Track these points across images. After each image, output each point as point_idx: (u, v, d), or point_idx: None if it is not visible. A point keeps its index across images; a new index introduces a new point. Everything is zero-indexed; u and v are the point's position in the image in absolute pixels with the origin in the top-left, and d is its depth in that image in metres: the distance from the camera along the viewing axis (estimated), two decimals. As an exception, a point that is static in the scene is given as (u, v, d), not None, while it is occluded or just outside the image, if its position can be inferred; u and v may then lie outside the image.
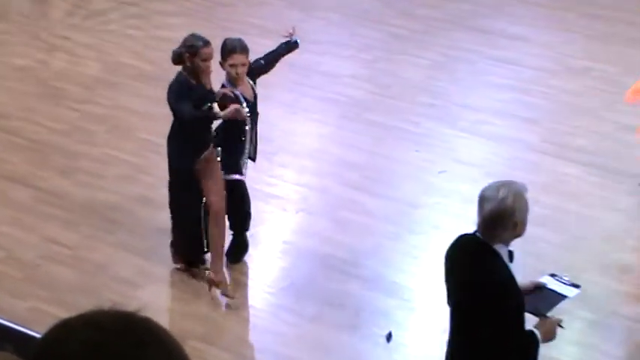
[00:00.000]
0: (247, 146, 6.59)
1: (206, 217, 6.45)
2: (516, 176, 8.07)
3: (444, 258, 4.52)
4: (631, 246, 7.12)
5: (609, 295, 6.66)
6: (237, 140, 6.52)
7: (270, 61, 6.87)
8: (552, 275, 4.96)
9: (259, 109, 6.71)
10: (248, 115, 6.36)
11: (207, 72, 6.19)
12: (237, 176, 6.58)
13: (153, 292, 6.48)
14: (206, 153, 6.32)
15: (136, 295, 6.30)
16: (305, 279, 6.31)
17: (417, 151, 8.38)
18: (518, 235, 4.39)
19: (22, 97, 9.21)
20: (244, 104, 6.42)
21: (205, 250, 6.64)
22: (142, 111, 8.99)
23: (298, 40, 7.00)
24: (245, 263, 6.94)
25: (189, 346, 5.62)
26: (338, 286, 6.62)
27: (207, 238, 6.50)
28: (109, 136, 8.56)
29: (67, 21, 11.06)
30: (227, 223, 6.66)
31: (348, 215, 7.41)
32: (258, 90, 6.71)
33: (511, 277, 4.28)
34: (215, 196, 6.34)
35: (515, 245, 7.08)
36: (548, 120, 9.06)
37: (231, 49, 6.39)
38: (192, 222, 6.49)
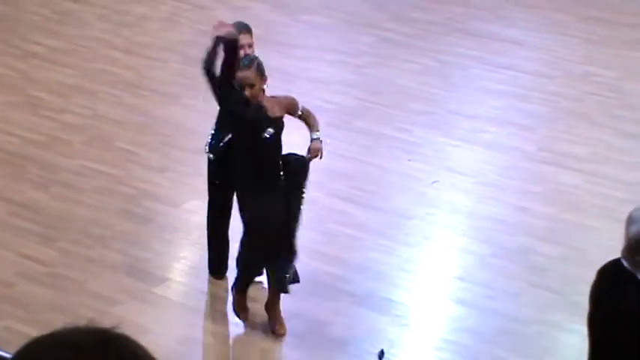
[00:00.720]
0: None
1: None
2: (512, 186, 8.16)
3: (590, 292, 4.31)
4: (632, 258, 7.15)
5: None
6: None
7: None
8: None
9: None
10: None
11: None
12: None
13: (133, 310, 6.48)
14: None
15: (114, 313, 6.31)
16: (292, 294, 6.32)
17: (409, 160, 8.41)
18: None
19: (-4, 106, 9.21)
20: None
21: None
22: (121, 120, 9.00)
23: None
24: (227, 278, 6.95)
25: (172, 367, 5.63)
26: (327, 302, 6.63)
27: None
28: (87, 146, 8.57)
29: (42, 26, 11.06)
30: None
31: (336, 228, 7.43)
32: None
33: None
34: None
35: (513, 258, 7.14)
36: (546, 127, 9.11)
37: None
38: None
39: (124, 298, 6.61)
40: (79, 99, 9.41)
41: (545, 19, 11.67)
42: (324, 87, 9.74)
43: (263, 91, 5.96)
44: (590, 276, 6.94)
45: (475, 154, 8.62)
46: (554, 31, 11.29)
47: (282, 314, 6.31)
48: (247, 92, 5.85)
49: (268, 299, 6.31)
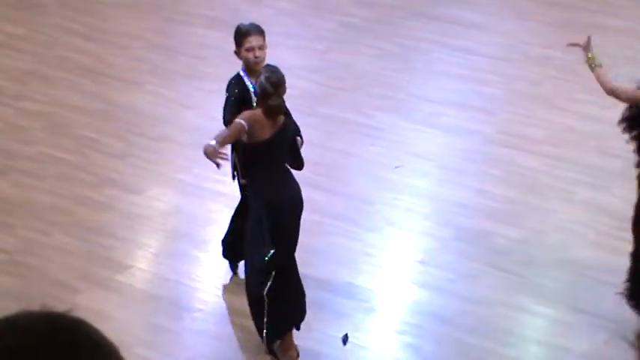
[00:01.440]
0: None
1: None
2: (472, 169, 8.20)
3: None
4: (591, 240, 7.22)
5: (571, 291, 6.76)
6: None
7: None
8: None
9: None
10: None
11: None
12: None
13: (96, 297, 6.44)
14: None
15: (76, 301, 6.26)
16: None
17: (396, 167, 8.42)
18: None
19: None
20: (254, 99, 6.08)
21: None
22: (81, 106, 8.93)
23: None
24: (193, 264, 6.94)
25: (134, 354, 5.62)
26: (290, 287, 6.62)
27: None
28: (46, 133, 8.49)
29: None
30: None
31: (299, 213, 7.43)
32: None
33: None
34: None
35: (474, 241, 7.18)
36: (505, 110, 9.15)
37: (246, 32, 6.14)
38: None
39: (85, 286, 6.57)
40: (37, 85, 9.32)
41: (506, 2, 11.72)
42: (287, 73, 9.51)
43: None
44: (549, 259, 7.04)
45: (436, 138, 8.65)
46: (515, 15, 11.34)
47: (242, 297, 6.26)
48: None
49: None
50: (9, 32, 10.41)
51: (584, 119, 8.86)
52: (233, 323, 6.35)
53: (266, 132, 5.66)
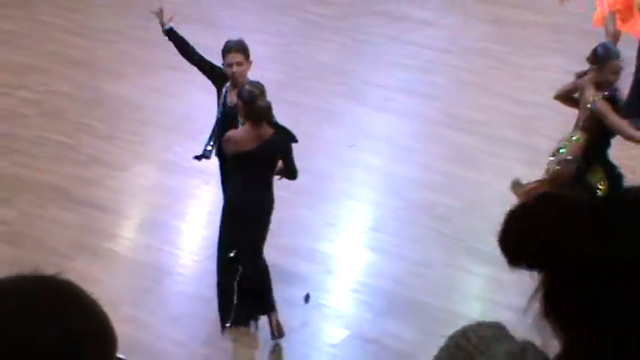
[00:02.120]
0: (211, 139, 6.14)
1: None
2: (419, 148, 8.23)
3: None
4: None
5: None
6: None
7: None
8: None
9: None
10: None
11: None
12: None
13: (85, 264, 6.41)
14: None
15: (68, 267, 6.24)
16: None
17: (350, 146, 8.42)
18: None
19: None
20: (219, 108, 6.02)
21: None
22: (72, 95, 8.86)
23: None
24: (173, 233, 6.92)
25: (122, 313, 5.60)
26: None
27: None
28: (43, 119, 8.43)
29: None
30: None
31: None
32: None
33: None
34: None
35: (420, 210, 7.22)
36: (448, 96, 9.19)
37: (227, 49, 6.07)
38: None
39: (77, 253, 6.53)
40: (35, 77, 9.24)
41: (450, 1, 11.76)
42: (254, 64, 9.65)
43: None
44: (487, 226, 7.08)
45: (387, 120, 8.68)
46: (457, 11, 11.38)
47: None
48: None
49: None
50: (7, 30, 10.29)
51: (517, 103, 8.92)
52: (209, 285, 6.35)
53: (251, 143, 5.43)
